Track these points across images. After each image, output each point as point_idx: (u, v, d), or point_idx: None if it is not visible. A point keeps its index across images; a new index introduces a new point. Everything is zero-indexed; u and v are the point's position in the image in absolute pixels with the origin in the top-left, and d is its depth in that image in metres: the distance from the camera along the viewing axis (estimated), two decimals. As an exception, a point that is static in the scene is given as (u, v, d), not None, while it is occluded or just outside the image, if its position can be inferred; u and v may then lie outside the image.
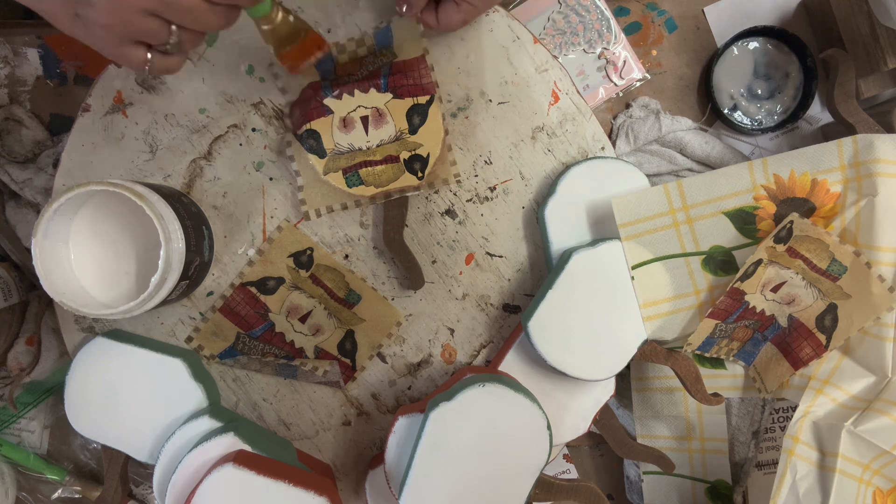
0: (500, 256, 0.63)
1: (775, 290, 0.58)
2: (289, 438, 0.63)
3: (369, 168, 0.60)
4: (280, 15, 0.50)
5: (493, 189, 0.63)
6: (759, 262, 0.56)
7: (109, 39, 0.43)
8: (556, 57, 0.62)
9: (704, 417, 0.64)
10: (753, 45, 0.66)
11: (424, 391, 0.64)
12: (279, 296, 0.61)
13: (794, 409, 0.56)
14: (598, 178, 0.61)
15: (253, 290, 0.61)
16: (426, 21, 0.57)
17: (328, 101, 0.59)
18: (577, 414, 0.61)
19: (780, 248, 0.55)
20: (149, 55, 0.44)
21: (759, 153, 0.67)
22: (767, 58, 0.66)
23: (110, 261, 0.56)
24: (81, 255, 0.55)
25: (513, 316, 0.64)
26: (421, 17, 0.57)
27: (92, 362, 0.58)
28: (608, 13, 0.65)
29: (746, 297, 0.58)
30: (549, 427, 0.54)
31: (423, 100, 0.59)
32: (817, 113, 0.67)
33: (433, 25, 0.57)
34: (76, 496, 0.67)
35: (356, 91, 0.59)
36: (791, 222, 0.54)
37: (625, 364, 0.58)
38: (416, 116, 0.60)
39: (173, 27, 0.43)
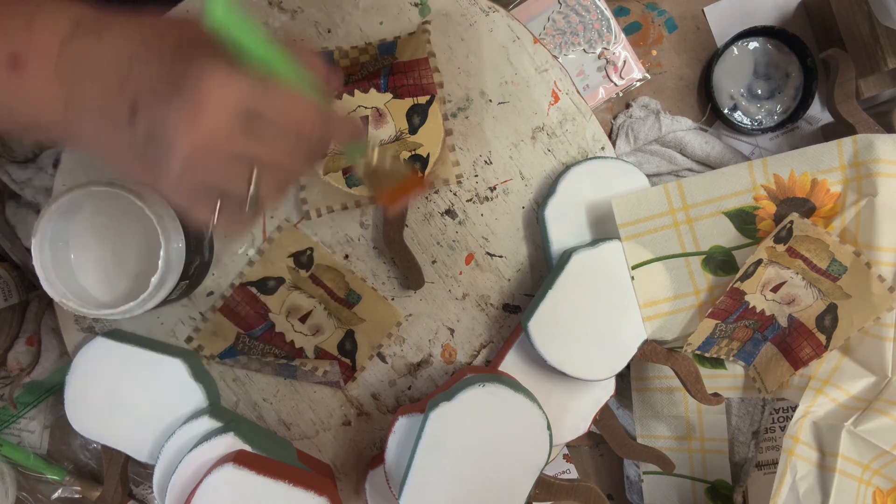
0: (500, 256, 0.63)
1: (775, 289, 0.58)
2: (289, 438, 0.63)
3: None
4: (376, 157, 0.47)
5: (493, 189, 0.63)
6: (759, 261, 0.56)
7: (180, 187, 0.36)
8: (556, 57, 0.62)
9: (704, 417, 0.64)
10: (753, 45, 0.66)
11: (424, 391, 0.64)
12: (279, 296, 0.61)
13: (794, 409, 0.56)
14: (598, 178, 0.60)
15: (253, 290, 0.61)
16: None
17: None
18: (577, 414, 0.61)
19: (781, 248, 0.55)
20: (216, 212, 0.37)
21: (759, 153, 0.67)
22: (767, 58, 0.66)
23: (110, 261, 0.56)
24: (81, 255, 0.55)
25: (513, 316, 0.64)
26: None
27: (92, 362, 0.58)
28: (608, 13, 0.65)
29: (746, 297, 0.58)
30: (549, 427, 0.54)
31: (423, 100, 0.59)
32: (817, 113, 0.67)
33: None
34: (76, 496, 0.67)
35: (356, 91, 0.59)
36: (791, 222, 0.54)
37: (625, 364, 0.58)
38: (416, 116, 0.60)
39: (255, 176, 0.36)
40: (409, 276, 0.61)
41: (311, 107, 0.37)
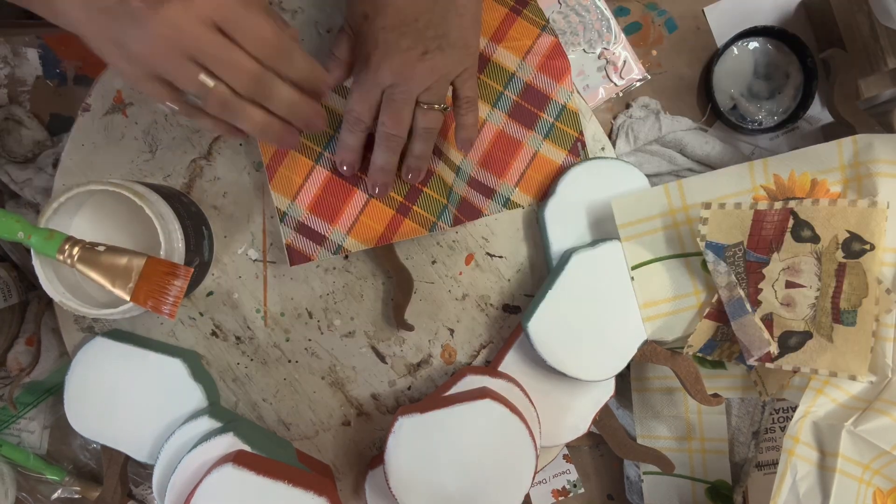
0: (500, 257, 0.63)
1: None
2: (289, 438, 0.63)
3: None
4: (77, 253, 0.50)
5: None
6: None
7: (137, 69, 0.40)
8: (556, 57, 0.62)
9: (704, 418, 0.64)
10: (753, 45, 0.66)
11: (424, 391, 0.64)
12: None
13: (794, 409, 0.56)
14: (598, 178, 0.60)
15: None
16: (461, 139, 0.56)
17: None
18: (577, 414, 0.61)
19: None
20: (172, 96, 0.42)
21: (759, 153, 0.67)
22: (767, 58, 0.66)
23: (110, 261, 0.56)
24: (81, 255, 0.55)
25: (513, 316, 0.64)
26: (457, 141, 0.56)
27: (92, 362, 0.58)
28: (608, 13, 0.65)
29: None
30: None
31: None
32: (817, 113, 0.67)
33: (467, 140, 0.56)
34: (76, 496, 0.67)
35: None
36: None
37: (625, 364, 0.58)
38: None
39: (205, 80, 0.40)
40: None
41: (275, 35, 0.41)
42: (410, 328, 0.62)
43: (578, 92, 0.62)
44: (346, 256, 0.62)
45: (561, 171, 0.61)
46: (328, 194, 0.60)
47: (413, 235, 0.60)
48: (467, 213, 0.61)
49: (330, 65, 0.53)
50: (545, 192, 0.62)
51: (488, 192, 0.61)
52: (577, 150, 0.61)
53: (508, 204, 0.61)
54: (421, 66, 0.48)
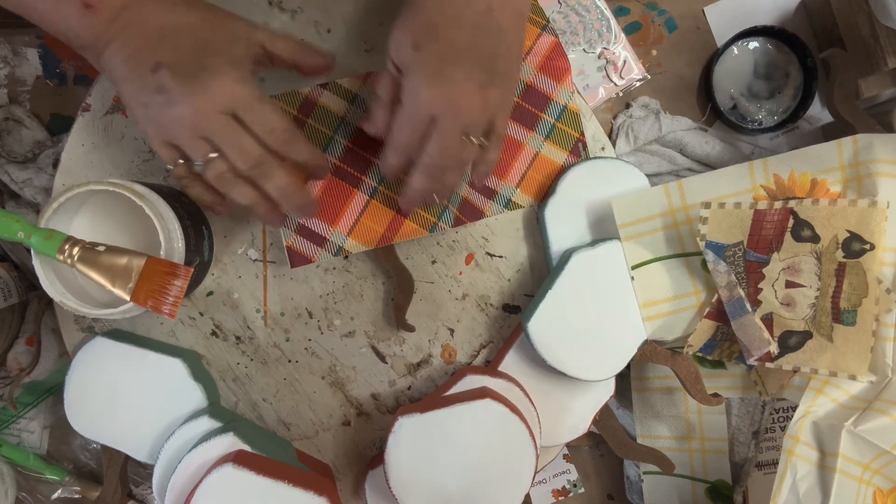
0: (500, 256, 0.63)
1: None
2: (289, 438, 0.63)
3: None
4: (77, 253, 0.50)
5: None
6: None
7: (158, 133, 0.48)
8: (556, 57, 0.62)
9: (704, 417, 0.64)
10: (753, 45, 0.66)
11: (424, 391, 0.64)
12: None
13: (794, 409, 0.56)
14: (598, 178, 0.60)
15: None
16: (478, 174, 0.55)
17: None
18: (577, 414, 0.61)
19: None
20: (179, 162, 0.49)
21: (759, 153, 0.67)
22: (767, 58, 0.66)
23: (110, 261, 0.56)
24: (81, 255, 0.55)
25: (513, 316, 0.64)
26: (472, 176, 0.55)
27: (92, 362, 0.58)
28: (608, 13, 0.65)
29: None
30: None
31: None
32: (817, 113, 0.67)
33: (483, 176, 0.55)
34: (76, 496, 0.67)
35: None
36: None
37: (625, 364, 0.58)
38: None
39: (212, 156, 0.47)
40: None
41: (282, 124, 0.49)
42: (411, 329, 0.62)
43: (578, 92, 0.62)
44: (346, 257, 0.62)
45: (562, 171, 0.61)
46: (328, 196, 0.60)
47: (414, 236, 0.60)
48: (468, 213, 0.61)
49: (374, 106, 0.52)
50: (546, 193, 0.62)
51: (490, 193, 0.61)
52: (578, 151, 0.61)
53: (510, 205, 0.61)
54: (475, 99, 0.48)
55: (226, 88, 0.46)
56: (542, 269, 0.63)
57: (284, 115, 0.49)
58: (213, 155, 0.47)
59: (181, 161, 0.49)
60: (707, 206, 0.56)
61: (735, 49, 0.66)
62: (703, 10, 0.67)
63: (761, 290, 0.56)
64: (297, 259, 0.60)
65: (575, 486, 0.70)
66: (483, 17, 0.46)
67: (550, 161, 0.61)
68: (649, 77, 0.66)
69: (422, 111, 0.48)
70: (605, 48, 0.65)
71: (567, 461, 0.69)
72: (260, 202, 0.50)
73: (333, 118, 0.59)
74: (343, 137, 0.59)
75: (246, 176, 0.49)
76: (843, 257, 0.54)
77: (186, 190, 0.50)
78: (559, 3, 0.65)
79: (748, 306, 0.56)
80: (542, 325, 0.57)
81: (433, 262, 0.63)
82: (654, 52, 0.67)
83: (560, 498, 0.70)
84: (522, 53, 0.50)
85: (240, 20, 0.50)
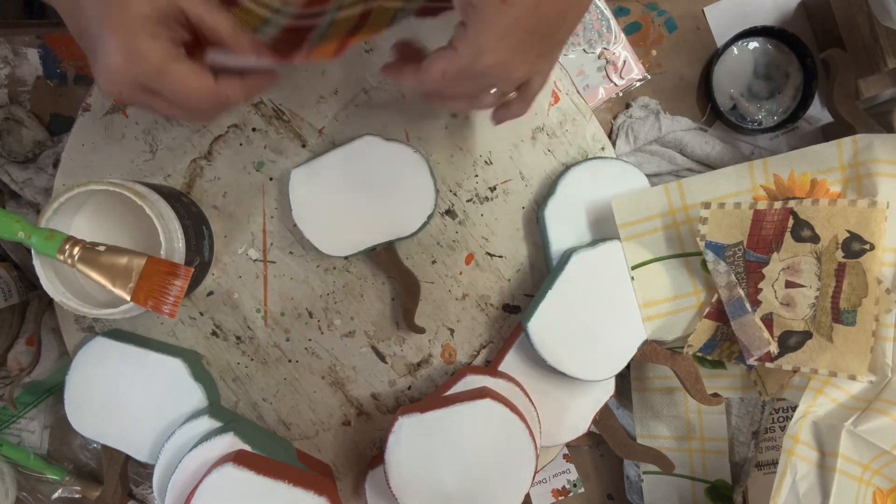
0: (500, 256, 0.63)
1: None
2: (289, 438, 0.63)
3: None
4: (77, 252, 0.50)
5: (493, 189, 0.63)
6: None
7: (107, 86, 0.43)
8: (556, 57, 0.62)
9: (704, 417, 0.64)
10: (753, 45, 0.66)
11: (424, 391, 0.64)
12: None
13: (794, 409, 0.56)
14: (598, 178, 0.60)
15: None
16: (499, 117, 0.52)
17: None
18: (577, 414, 0.61)
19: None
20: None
21: (759, 153, 0.67)
22: (767, 58, 0.66)
23: (110, 261, 0.56)
24: (81, 255, 0.55)
25: (513, 316, 0.64)
26: (493, 115, 0.52)
27: (92, 362, 0.58)
28: (608, 13, 0.65)
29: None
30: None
31: None
32: (817, 113, 0.67)
33: (503, 120, 0.52)
34: (76, 496, 0.67)
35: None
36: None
37: (625, 364, 0.58)
38: None
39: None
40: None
41: (193, 94, 0.43)
42: (421, 331, 0.62)
43: (579, 92, 0.62)
44: (347, 257, 0.62)
45: (563, 171, 0.61)
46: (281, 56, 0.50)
47: (374, 33, 0.54)
48: None
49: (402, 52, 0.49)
50: (546, 193, 0.62)
51: None
52: None
53: None
54: (526, 66, 0.45)
55: (118, 67, 0.41)
56: (542, 269, 0.63)
57: (200, 74, 0.43)
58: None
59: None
60: (707, 206, 0.56)
61: (735, 49, 0.66)
62: (703, 10, 0.67)
63: (761, 290, 0.56)
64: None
65: (575, 486, 0.70)
66: None
67: None
68: (649, 77, 0.66)
69: (474, 69, 0.44)
70: (605, 48, 0.65)
71: (567, 461, 0.69)
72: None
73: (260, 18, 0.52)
74: (280, 21, 0.52)
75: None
76: (843, 257, 0.54)
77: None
78: (559, 3, 0.65)
79: (748, 306, 0.56)
80: (542, 325, 0.57)
81: (433, 262, 0.63)
82: (654, 52, 0.67)
83: (560, 498, 0.70)
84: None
85: None
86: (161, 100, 0.43)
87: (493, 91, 0.48)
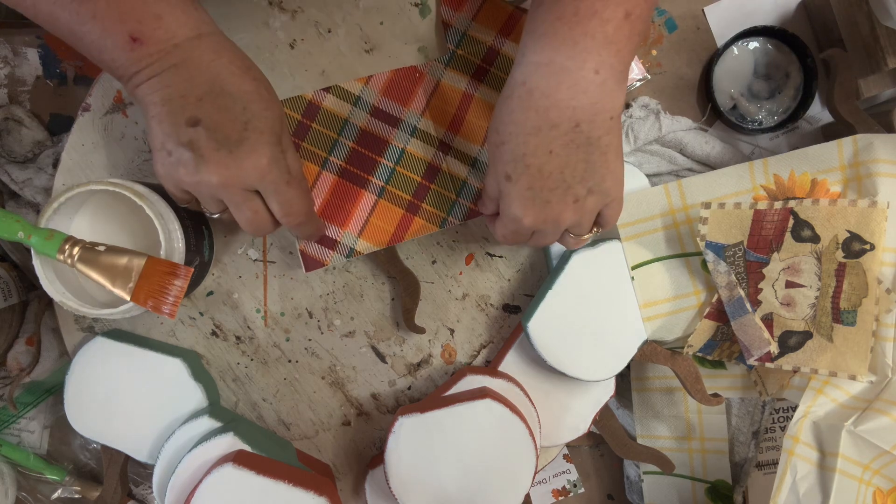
0: (500, 256, 0.63)
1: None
2: (289, 438, 0.63)
3: None
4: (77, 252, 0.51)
5: (493, 189, 0.63)
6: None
7: (173, 177, 0.47)
8: (556, 57, 0.62)
9: (704, 417, 0.64)
10: (753, 45, 0.66)
11: (424, 391, 0.64)
12: None
13: (794, 409, 0.56)
14: (598, 178, 0.60)
15: None
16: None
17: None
18: (577, 414, 0.61)
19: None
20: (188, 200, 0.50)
21: (759, 153, 0.67)
22: (767, 58, 0.66)
23: (110, 261, 0.56)
24: (81, 255, 0.55)
25: (513, 316, 0.64)
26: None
27: (92, 362, 0.58)
28: (608, 13, 0.65)
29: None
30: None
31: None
32: (817, 113, 0.67)
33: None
34: (76, 496, 0.67)
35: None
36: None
37: (625, 364, 0.58)
38: None
39: (223, 213, 0.49)
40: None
41: (301, 210, 0.50)
42: (422, 331, 0.62)
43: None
44: (347, 257, 0.62)
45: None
46: (336, 198, 0.59)
47: (424, 233, 0.60)
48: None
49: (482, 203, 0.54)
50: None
51: None
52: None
53: None
54: (571, 213, 0.48)
55: (258, 169, 0.46)
56: (542, 269, 0.63)
57: (306, 198, 0.50)
58: (225, 210, 0.49)
59: (194, 200, 0.50)
60: (707, 206, 0.56)
61: (735, 49, 0.66)
62: (703, 10, 0.67)
63: (761, 290, 0.56)
64: (310, 263, 0.60)
65: (575, 486, 0.70)
66: (571, 134, 0.45)
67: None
68: (649, 77, 0.66)
69: (522, 231, 0.49)
70: (605, 48, 0.65)
71: (567, 461, 0.69)
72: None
73: (337, 120, 0.59)
74: (348, 139, 0.59)
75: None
76: (843, 257, 0.54)
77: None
78: (559, 3, 0.65)
79: (748, 306, 0.56)
80: (542, 325, 0.57)
81: (433, 262, 0.63)
82: (654, 52, 0.67)
83: (560, 498, 0.70)
84: (621, 152, 0.47)
85: (281, 105, 0.50)
86: (249, 207, 0.48)
87: (576, 236, 0.51)
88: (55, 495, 0.67)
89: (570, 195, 0.47)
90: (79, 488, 0.67)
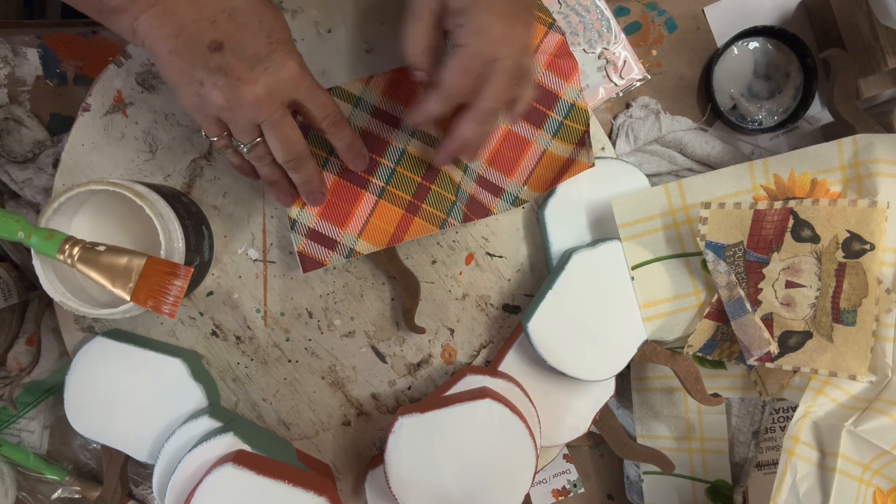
0: (500, 256, 0.63)
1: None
2: (289, 438, 0.63)
3: None
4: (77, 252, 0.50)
5: (493, 189, 0.63)
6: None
7: (206, 108, 0.46)
8: (556, 57, 0.62)
9: (704, 417, 0.64)
10: (753, 45, 0.66)
11: (424, 391, 0.64)
12: None
13: (794, 409, 0.56)
14: (598, 178, 0.60)
15: None
16: (517, 110, 0.53)
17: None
18: (577, 414, 0.61)
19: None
20: (223, 135, 0.49)
21: (759, 153, 0.67)
22: (767, 58, 0.66)
23: (110, 261, 0.56)
24: (81, 255, 0.55)
25: (513, 316, 0.64)
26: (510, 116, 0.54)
27: (92, 362, 0.58)
28: (608, 13, 0.65)
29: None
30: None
31: None
32: (817, 113, 0.67)
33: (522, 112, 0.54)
34: (76, 496, 0.67)
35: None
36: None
37: (625, 364, 0.58)
38: None
39: (257, 141, 0.48)
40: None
41: (335, 109, 0.50)
42: (422, 331, 0.62)
43: (578, 92, 0.62)
44: (347, 258, 0.62)
45: (568, 164, 0.60)
46: (336, 198, 0.59)
47: (424, 233, 0.60)
48: (476, 210, 0.61)
49: (412, 53, 0.50)
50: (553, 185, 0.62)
51: (497, 191, 0.61)
52: (584, 142, 0.60)
53: (517, 202, 0.61)
54: (527, 38, 0.48)
55: (293, 78, 0.46)
56: (542, 269, 0.63)
57: (334, 101, 0.51)
58: (258, 140, 0.48)
59: (225, 134, 0.49)
60: (707, 206, 0.56)
61: (735, 49, 0.66)
62: (703, 10, 0.67)
63: (761, 290, 0.56)
64: (308, 264, 0.60)
65: (575, 486, 0.70)
66: None
67: (558, 157, 0.61)
68: (649, 77, 0.66)
69: (487, 51, 0.46)
70: (605, 48, 0.65)
71: (567, 461, 0.69)
72: (282, 183, 0.54)
73: None
74: None
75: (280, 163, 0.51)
76: (843, 257, 0.54)
77: (225, 156, 0.52)
78: (559, 3, 0.65)
79: (748, 306, 0.56)
80: (542, 325, 0.57)
81: (433, 262, 0.63)
82: (654, 52, 0.67)
83: (560, 498, 0.70)
84: None
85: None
86: (288, 123, 0.47)
87: (515, 80, 0.49)
88: (55, 495, 0.67)
89: (526, 15, 0.48)
90: (79, 488, 0.67)
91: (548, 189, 0.61)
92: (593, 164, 0.60)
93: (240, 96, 0.44)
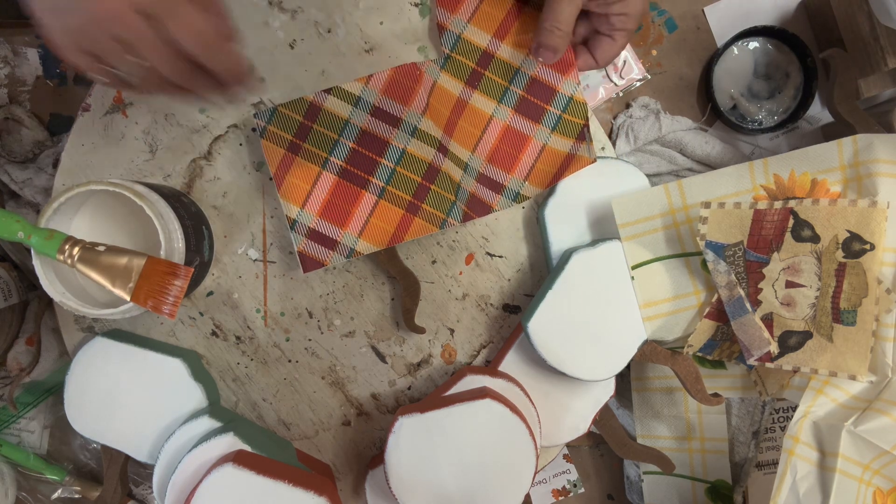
0: (500, 256, 0.63)
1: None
2: (289, 438, 0.63)
3: None
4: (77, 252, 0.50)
5: (493, 189, 0.63)
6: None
7: (69, 41, 0.42)
8: (556, 57, 0.62)
9: (704, 417, 0.64)
10: (753, 45, 0.66)
11: (424, 391, 0.64)
12: None
13: (794, 409, 0.56)
14: (598, 178, 0.60)
15: None
16: (583, 65, 0.59)
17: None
18: (577, 414, 0.61)
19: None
20: (98, 66, 0.44)
21: (759, 153, 0.67)
22: (767, 58, 0.66)
23: (110, 261, 0.56)
24: (81, 255, 0.55)
25: (513, 316, 0.64)
26: (577, 63, 0.59)
27: (92, 362, 0.58)
28: (608, 13, 0.65)
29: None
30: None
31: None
32: (817, 113, 0.67)
33: (593, 66, 0.59)
34: (76, 496, 0.67)
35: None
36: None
37: (625, 364, 0.58)
38: None
39: (130, 59, 0.43)
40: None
41: (203, 30, 0.43)
42: (422, 331, 0.62)
43: (578, 92, 0.62)
44: (347, 258, 0.62)
45: (569, 159, 0.60)
46: (337, 199, 0.60)
47: (424, 233, 0.60)
48: (477, 208, 0.61)
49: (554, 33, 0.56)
50: (554, 182, 0.62)
51: (497, 188, 0.61)
52: (584, 136, 0.60)
53: (518, 198, 0.61)
54: None
55: None
56: (542, 269, 0.63)
57: (212, 16, 0.43)
58: (132, 59, 0.42)
59: (100, 66, 0.44)
60: (707, 206, 0.56)
61: (735, 49, 0.66)
62: (703, 10, 0.67)
63: (761, 290, 0.56)
64: (309, 264, 0.60)
65: (575, 486, 0.70)
66: None
67: (558, 151, 0.61)
68: (649, 77, 0.66)
69: (634, 26, 0.56)
70: (605, 48, 0.65)
71: (567, 461, 0.69)
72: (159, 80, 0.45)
73: (338, 121, 0.59)
74: (348, 140, 0.59)
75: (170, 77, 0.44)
76: (843, 257, 0.54)
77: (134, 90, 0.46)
78: (559, 3, 0.65)
79: (748, 306, 0.56)
80: (542, 325, 0.57)
81: (433, 262, 0.63)
82: (654, 52, 0.67)
83: (560, 498, 0.70)
84: None
85: None
86: (147, 43, 0.41)
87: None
88: (55, 495, 0.67)
89: None
90: (79, 488, 0.67)
91: (549, 185, 0.61)
92: (595, 160, 0.60)
93: (89, 13, 0.41)
